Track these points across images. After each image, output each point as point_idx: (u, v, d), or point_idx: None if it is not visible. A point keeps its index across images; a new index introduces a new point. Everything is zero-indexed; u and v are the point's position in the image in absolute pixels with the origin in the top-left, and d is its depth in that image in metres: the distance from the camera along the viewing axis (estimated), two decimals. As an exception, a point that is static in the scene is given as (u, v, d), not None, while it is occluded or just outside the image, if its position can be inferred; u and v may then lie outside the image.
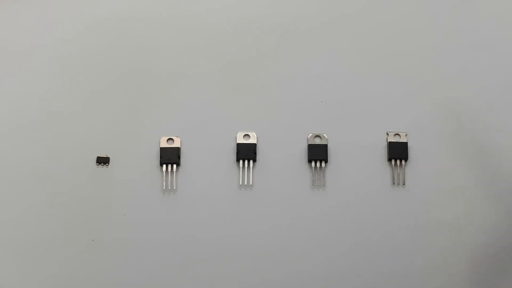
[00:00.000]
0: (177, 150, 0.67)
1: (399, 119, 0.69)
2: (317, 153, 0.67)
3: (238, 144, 0.68)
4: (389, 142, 0.67)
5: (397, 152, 0.67)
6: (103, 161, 0.67)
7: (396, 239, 0.65)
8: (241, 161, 0.67)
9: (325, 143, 0.68)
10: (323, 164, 0.67)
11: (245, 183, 0.67)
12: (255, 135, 0.68)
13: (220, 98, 0.69)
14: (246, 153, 0.67)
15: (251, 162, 0.67)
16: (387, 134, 0.68)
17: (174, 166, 0.67)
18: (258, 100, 0.69)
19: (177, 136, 0.68)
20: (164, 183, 0.67)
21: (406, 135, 0.68)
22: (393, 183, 0.67)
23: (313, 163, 0.67)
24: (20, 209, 0.66)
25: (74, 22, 0.72)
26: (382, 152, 0.68)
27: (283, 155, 0.68)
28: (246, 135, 0.68)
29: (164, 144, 0.68)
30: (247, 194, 0.67)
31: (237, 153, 0.67)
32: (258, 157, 0.68)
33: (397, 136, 0.68)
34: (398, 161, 0.67)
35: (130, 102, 0.69)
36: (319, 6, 0.72)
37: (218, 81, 0.70)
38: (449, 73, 0.70)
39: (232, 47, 0.71)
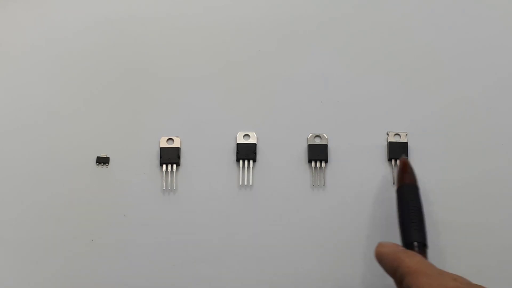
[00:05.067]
0: (177, 150, 0.67)
1: (399, 119, 0.69)
2: (317, 153, 0.67)
3: (238, 144, 0.68)
4: (389, 142, 0.67)
5: (397, 152, 0.67)
6: (103, 161, 0.67)
7: (396, 239, 0.65)
8: (241, 161, 0.67)
9: (325, 143, 0.68)
10: (323, 164, 0.67)
11: (245, 183, 0.67)
12: (255, 135, 0.68)
13: (220, 98, 0.69)
14: (246, 153, 0.67)
15: (251, 162, 0.67)
16: (387, 134, 0.68)
17: (174, 166, 0.67)
18: (258, 100, 0.69)
19: (177, 136, 0.68)
20: (164, 183, 0.67)
21: (406, 135, 0.68)
22: (393, 183, 0.67)
23: (313, 163, 0.67)
24: (20, 209, 0.66)
25: (74, 22, 0.72)
26: (382, 152, 0.68)
27: (283, 155, 0.68)
28: (246, 135, 0.68)
29: (164, 144, 0.68)
30: (247, 194, 0.67)
31: (237, 153, 0.67)
32: (258, 157, 0.68)
33: (397, 136, 0.68)
34: (398, 161, 0.67)
35: (130, 102, 0.69)
36: (319, 6, 0.72)
37: (218, 81, 0.70)
38: (449, 73, 0.70)
39: (232, 47, 0.71)
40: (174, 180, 0.67)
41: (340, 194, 0.67)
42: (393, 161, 0.67)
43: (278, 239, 0.66)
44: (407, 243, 0.59)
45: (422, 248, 0.58)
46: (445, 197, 0.66)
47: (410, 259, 0.55)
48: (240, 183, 0.67)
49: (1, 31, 0.71)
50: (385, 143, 0.68)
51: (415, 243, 0.58)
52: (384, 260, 0.57)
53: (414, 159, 0.67)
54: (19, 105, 0.69)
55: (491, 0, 0.72)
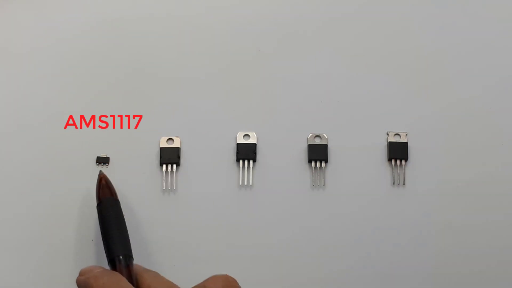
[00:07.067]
0: (177, 150, 0.67)
1: (399, 119, 0.69)
2: (317, 153, 0.67)
3: (238, 144, 0.68)
4: (389, 142, 0.67)
5: (397, 152, 0.67)
6: (103, 161, 0.67)
7: (396, 239, 0.65)
8: (241, 161, 0.67)
9: (325, 143, 0.68)
10: (323, 164, 0.67)
11: (245, 183, 0.67)
12: (255, 135, 0.68)
13: (220, 98, 0.69)
14: (246, 153, 0.67)
15: (251, 162, 0.67)
16: (387, 134, 0.68)
17: (174, 166, 0.67)
18: (258, 100, 0.69)
19: (177, 136, 0.68)
20: (164, 183, 0.67)
21: (406, 135, 0.68)
22: (393, 183, 0.67)
23: (313, 163, 0.67)
24: (20, 209, 0.66)
25: (75, 23, 0.72)
26: (382, 152, 0.68)
27: (283, 155, 0.68)
28: (246, 135, 0.68)
29: (164, 144, 0.68)
30: (247, 194, 0.67)
31: (237, 153, 0.67)
32: (258, 157, 0.68)
33: (397, 136, 0.68)
34: (398, 161, 0.67)
35: (130, 102, 0.69)
36: (319, 6, 0.72)
37: (218, 81, 0.70)
38: (449, 73, 0.70)
39: (232, 47, 0.71)
40: (174, 180, 0.67)
41: (340, 194, 0.67)
42: (393, 161, 0.67)
43: (278, 239, 0.66)
44: (112, 258, 0.59)
45: (128, 260, 0.59)
46: (445, 197, 0.66)
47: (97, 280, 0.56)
48: (240, 183, 0.67)
49: (1, 31, 0.71)
50: (385, 143, 0.68)
51: (120, 257, 0.59)
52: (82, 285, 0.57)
53: (414, 159, 0.67)
54: (20, 105, 0.69)
55: (491, 0, 0.72)
